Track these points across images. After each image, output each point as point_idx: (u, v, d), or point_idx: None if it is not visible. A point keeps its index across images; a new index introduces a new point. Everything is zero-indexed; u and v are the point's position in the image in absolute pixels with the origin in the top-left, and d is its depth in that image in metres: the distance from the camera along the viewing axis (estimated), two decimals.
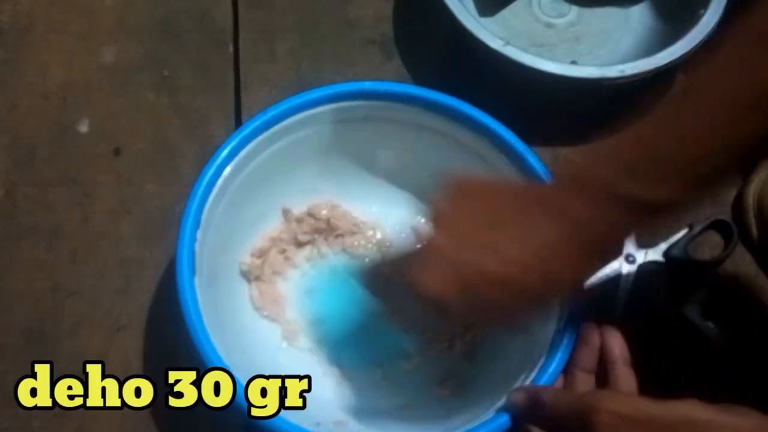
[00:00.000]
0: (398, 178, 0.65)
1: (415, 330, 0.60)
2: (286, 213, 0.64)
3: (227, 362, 0.50)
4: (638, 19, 0.73)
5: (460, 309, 0.48)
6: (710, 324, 0.62)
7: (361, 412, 0.58)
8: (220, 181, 0.56)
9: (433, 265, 0.47)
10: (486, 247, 0.47)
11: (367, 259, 0.63)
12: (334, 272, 0.64)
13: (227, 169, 0.57)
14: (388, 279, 0.53)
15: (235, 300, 0.61)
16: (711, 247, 0.65)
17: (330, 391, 0.59)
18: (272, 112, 0.58)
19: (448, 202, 0.49)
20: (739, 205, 0.66)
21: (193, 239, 0.54)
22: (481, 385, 0.58)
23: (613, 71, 0.63)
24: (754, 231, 0.64)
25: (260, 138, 0.58)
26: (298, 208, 0.64)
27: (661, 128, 0.44)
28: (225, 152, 0.56)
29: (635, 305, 0.62)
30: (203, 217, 0.55)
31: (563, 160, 0.56)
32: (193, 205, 0.55)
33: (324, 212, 0.64)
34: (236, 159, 0.57)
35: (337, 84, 0.59)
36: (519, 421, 0.49)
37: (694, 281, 0.64)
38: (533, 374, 0.51)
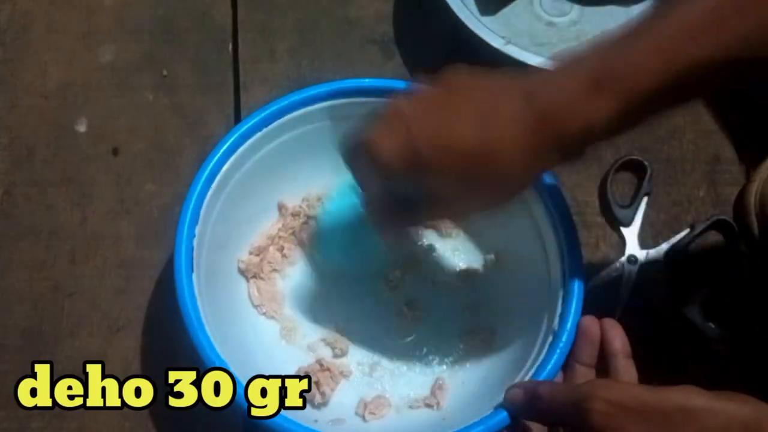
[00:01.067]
0: None
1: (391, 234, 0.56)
2: (281, 207, 0.64)
3: (225, 359, 0.50)
4: None
5: (413, 178, 0.47)
6: (710, 324, 0.62)
7: (359, 410, 0.58)
8: (218, 178, 0.56)
9: (389, 127, 0.46)
10: (443, 117, 0.46)
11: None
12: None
13: (225, 166, 0.57)
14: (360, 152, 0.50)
15: (233, 298, 0.61)
16: (713, 246, 0.65)
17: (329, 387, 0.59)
18: (271, 109, 0.58)
19: (423, 85, 0.48)
20: (740, 204, 0.65)
21: (192, 235, 0.54)
22: (480, 382, 0.58)
23: None
24: (756, 231, 0.64)
25: (259, 135, 0.58)
26: (294, 203, 0.64)
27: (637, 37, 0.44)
28: (224, 148, 0.56)
29: (635, 305, 0.62)
30: (201, 213, 0.55)
31: None
32: (191, 201, 0.55)
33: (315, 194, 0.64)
34: (235, 155, 0.57)
35: (336, 81, 0.59)
36: (517, 417, 0.49)
37: (694, 281, 0.64)
38: (532, 372, 0.52)
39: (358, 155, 0.49)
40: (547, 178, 0.56)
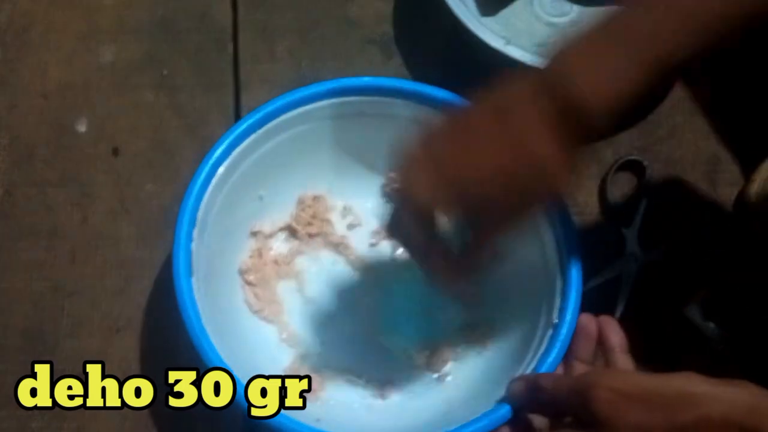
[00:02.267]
0: None
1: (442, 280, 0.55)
2: (279, 208, 0.63)
3: (226, 362, 0.50)
4: None
5: (453, 211, 0.48)
6: (710, 324, 0.62)
7: (361, 408, 0.58)
8: (215, 180, 0.56)
9: (416, 173, 0.47)
10: (466, 149, 0.46)
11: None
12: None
13: (222, 168, 0.57)
14: (405, 222, 0.51)
15: (233, 300, 0.61)
16: (712, 245, 0.65)
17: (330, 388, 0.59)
18: (267, 109, 0.58)
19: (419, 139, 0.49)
20: (740, 204, 0.65)
21: (190, 238, 0.54)
22: (481, 377, 0.58)
23: None
24: (756, 231, 0.64)
25: (255, 135, 0.58)
26: (292, 204, 0.64)
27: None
28: (220, 150, 0.56)
29: (635, 305, 0.62)
30: (199, 215, 0.55)
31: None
32: (189, 204, 0.54)
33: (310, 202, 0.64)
34: (231, 156, 0.57)
35: (333, 80, 0.59)
36: (520, 410, 0.49)
37: (694, 281, 0.64)
38: (532, 365, 0.52)
39: (399, 204, 0.50)
40: None
